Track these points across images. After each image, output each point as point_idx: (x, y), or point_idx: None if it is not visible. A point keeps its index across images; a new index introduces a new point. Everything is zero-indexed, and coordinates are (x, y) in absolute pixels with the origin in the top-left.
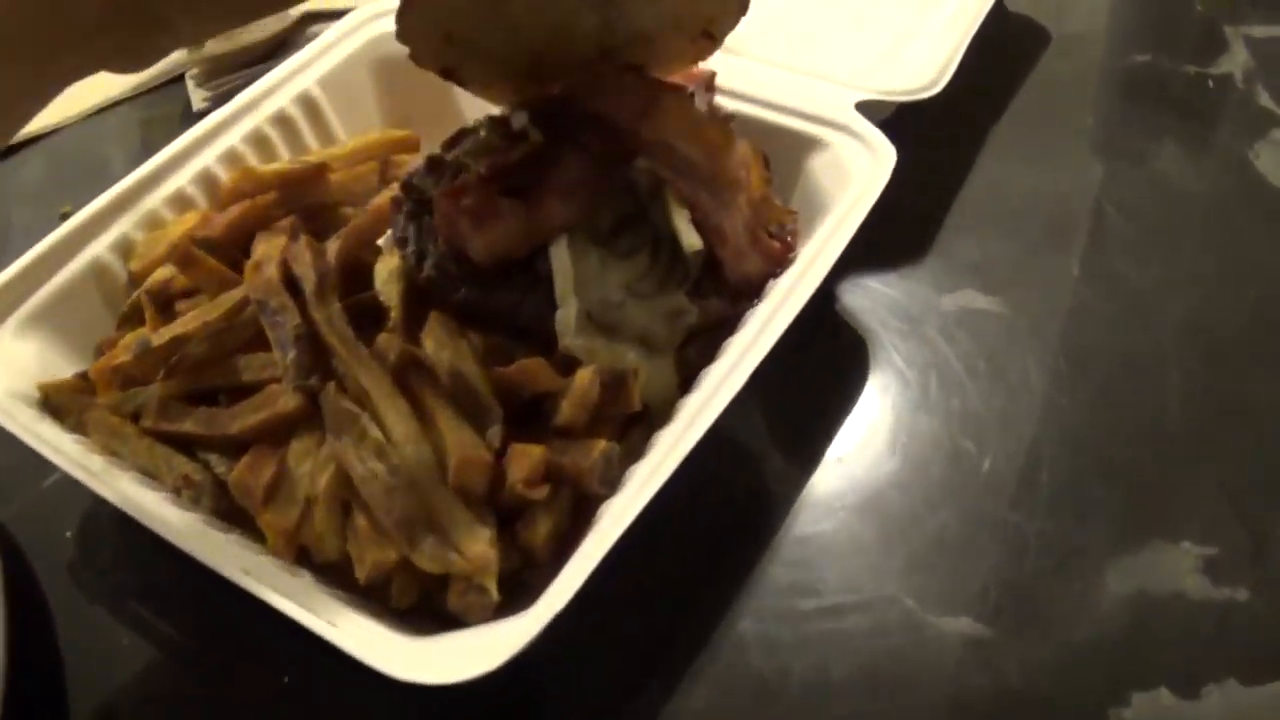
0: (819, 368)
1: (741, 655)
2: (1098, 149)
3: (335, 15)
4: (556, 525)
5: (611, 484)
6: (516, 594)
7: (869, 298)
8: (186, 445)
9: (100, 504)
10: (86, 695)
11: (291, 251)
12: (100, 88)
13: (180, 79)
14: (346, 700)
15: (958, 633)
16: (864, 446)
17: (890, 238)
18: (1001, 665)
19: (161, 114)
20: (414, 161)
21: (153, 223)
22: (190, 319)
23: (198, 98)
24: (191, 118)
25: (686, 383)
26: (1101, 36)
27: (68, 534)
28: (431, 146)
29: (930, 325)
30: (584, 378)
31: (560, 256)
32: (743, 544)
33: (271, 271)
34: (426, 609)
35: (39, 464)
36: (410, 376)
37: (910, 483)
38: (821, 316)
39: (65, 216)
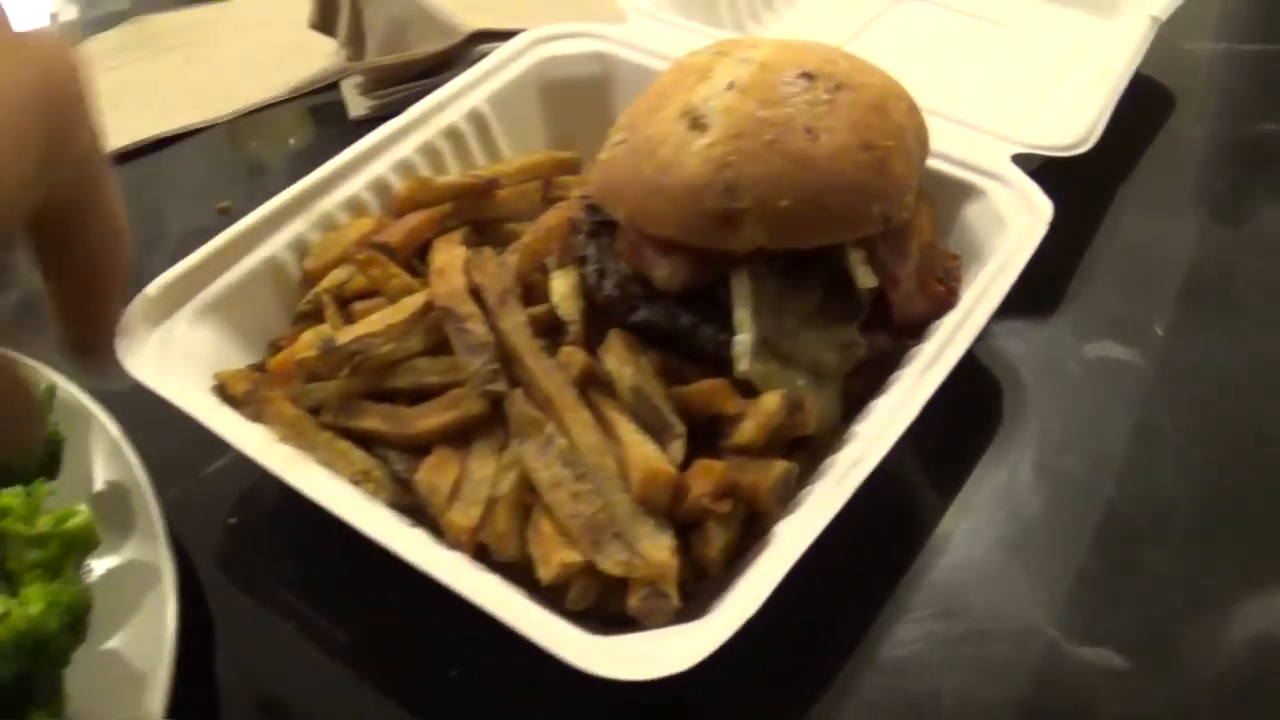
0: (964, 408)
1: (893, 675)
2: (1225, 213)
3: (504, 36)
4: (730, 540)
5: (785, 502)
6: (686, 605)
7: (1012, 342)
8: (364, 441)
9: (258, 494)
10: (246, 682)
11: (474, 262)
12: (255, 88)
13: (335, 86)
14: (510, 695)
15: (1097, 664)
16: (1008, 484)
17: (1030, 286)
18: (1138, 697)
19: (316, 118)
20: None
21: (327, 224)
22: (374, 320)
23: (357, 105)
24: (347, 123)
25: (847, 413)
26: (1228, 104)
27: (231, 520)
28: (591, 169)
29: (1070, 372)
30: (772, 400)
31: (741, 286)
32: (894, 569)
33: (457, 280)
34: (595, 613)
35: (200, 452)
36: (589, 389)
37: (1051, 521)
38: (967, 358)
39: (223, 211)
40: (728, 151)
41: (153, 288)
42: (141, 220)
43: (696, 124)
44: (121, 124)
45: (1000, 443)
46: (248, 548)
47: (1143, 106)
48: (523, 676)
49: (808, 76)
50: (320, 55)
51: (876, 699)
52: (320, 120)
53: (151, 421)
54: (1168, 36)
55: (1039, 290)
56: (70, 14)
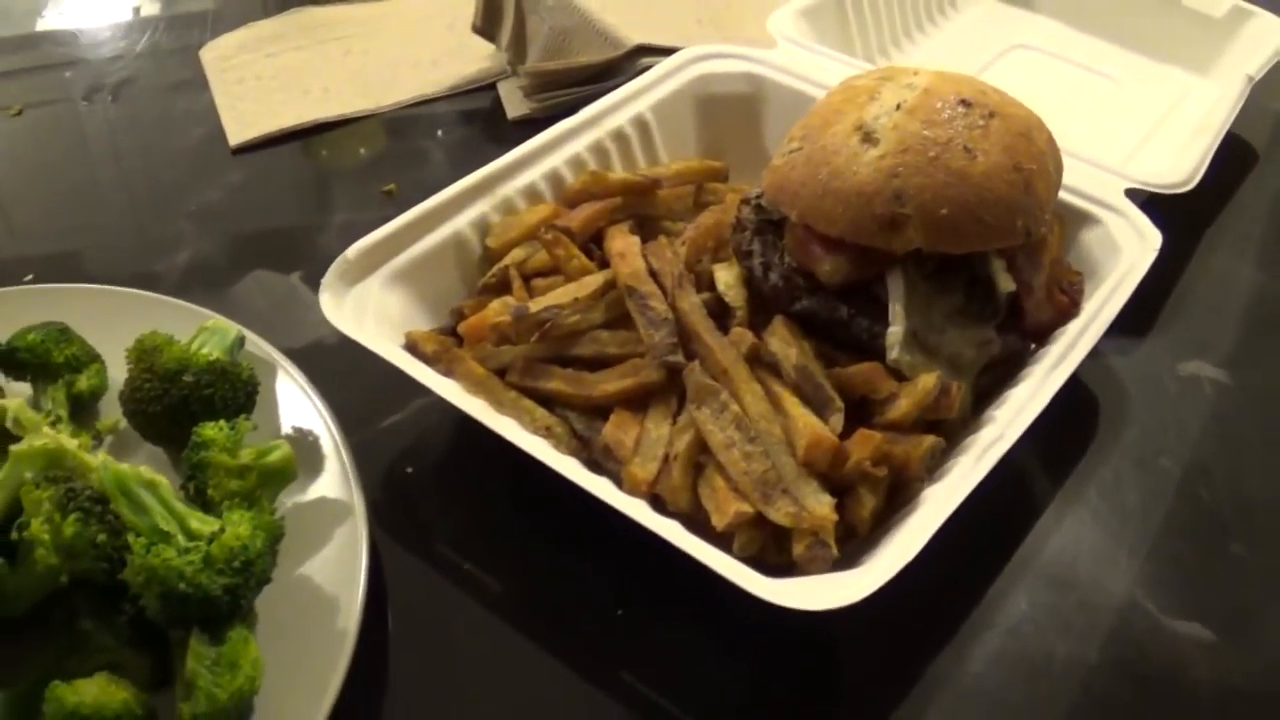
0: (1073, 411)
1: (1010, 635)
2: None
3: (664, 51)
4: (878, 505)
5: (932, 473)
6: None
7: (1115, 358)
8: (545, 402)
9: (429, 447)
10: (416, 624)
11: (651, 249)
12: (414, 83)
13: (490, 86)
14: (671, 634)
15: (1189, 636)
16: (1111, 479)
17: (1131, 309)
18: (1224, 666)
19: (473, 115)
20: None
21: (506, 208)
22: (561, 293)
23: (515, 105)
24: (501, 122)
25: (974, 407)
26: None
27: (407, 469)
28: (737, 178)
29: (1165, 387)
30: (928, 380)
31: (896, 284)
32: (1012, 544)
33: (638, 263)
34: (753, 563)
35: (375, 406)
36: (755, 366)
37: (1148, 512)
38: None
39: (388, 194)
40: (896, 164)
41: (351, 251)
42: (309, 196)
43: (868, 138)
44: (284, 106)
45: (1104, 443)
46: (419, 496)
47: (1231, 158)
48: (679, 614)
49: (965, 104)
50: (475, 58)
51: (996, 655)
52: (476, 117)
53: (330, 376)
54: (1253, 95)
55: (1139, 313)
56: (152, 9)
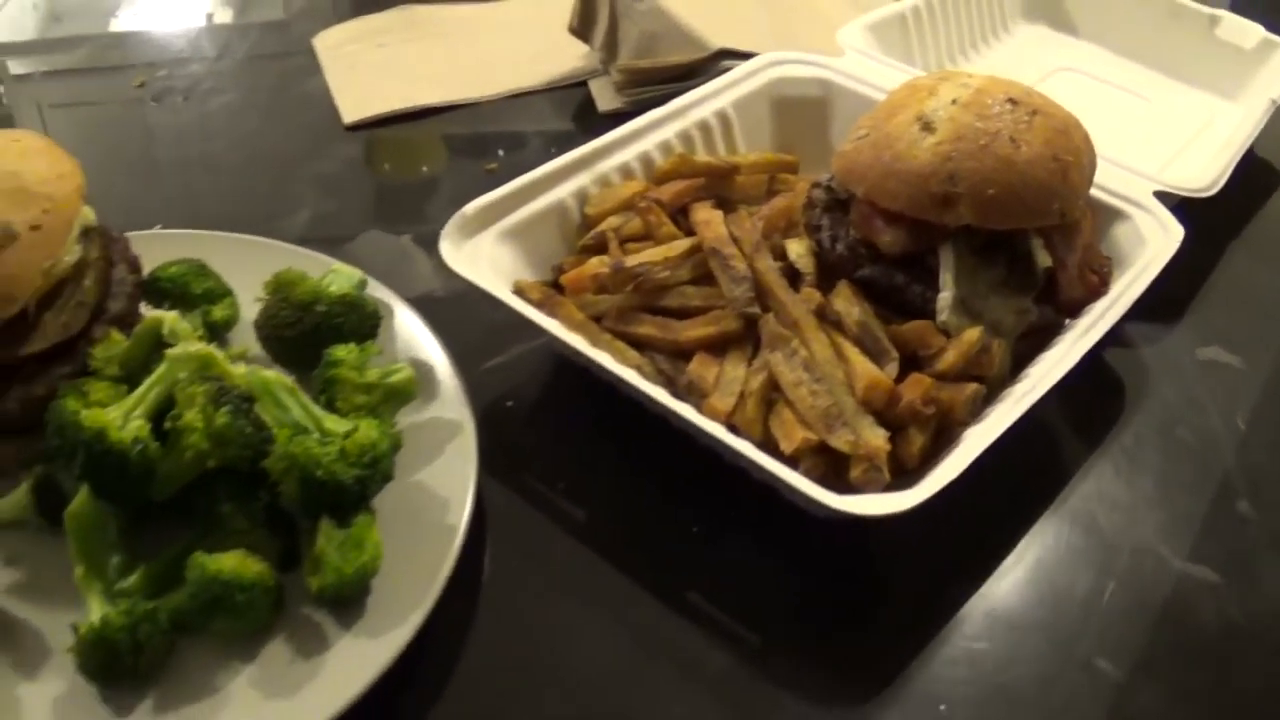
0: (1099, 383)
1: (1039, 569)
2: None
3: (743, 55)
4: (925, 443)
5: (974, 416)
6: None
7: (1140, 341)
8: (637, 344)
9: (528, 387)
10: (513, 551)
11: (731, 219)
12: (513, 77)
13: (583, 83)
14: (740, 547)
15: (1197, 577)
16: (1133, 443)
17: (1157, 299)
18: (1228, 604)
19: (566, 107)
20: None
21: (603, 182)
22: (652, 252)
23: (605, 100)
24: (593, 115)
25: (1012, 370)
26: None
27: (509, 404)
28: (805, 171)
29: (1185, 367)
30: (973, 333)
31: (947, 256)
32: (1042, 494)
33: (721, 230)
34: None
35: (480, 349)
36: (821, 322)
37: (1167, 472)
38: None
39: (490, 172)
40: (951, 149)
41: (469, 208)
42: (418, 170)
43: (927, 127)
44: (393, 91)
45: (1128, 413)
46: (517, 427)
47: (1254, 174)
48: (750, 529)
49: (1012, 102)
50: (568, 58)
51: (1023, 582)
52: (569, 109)
53: (437, 324)
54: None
55: (1163, 306)
56: (225, 16)
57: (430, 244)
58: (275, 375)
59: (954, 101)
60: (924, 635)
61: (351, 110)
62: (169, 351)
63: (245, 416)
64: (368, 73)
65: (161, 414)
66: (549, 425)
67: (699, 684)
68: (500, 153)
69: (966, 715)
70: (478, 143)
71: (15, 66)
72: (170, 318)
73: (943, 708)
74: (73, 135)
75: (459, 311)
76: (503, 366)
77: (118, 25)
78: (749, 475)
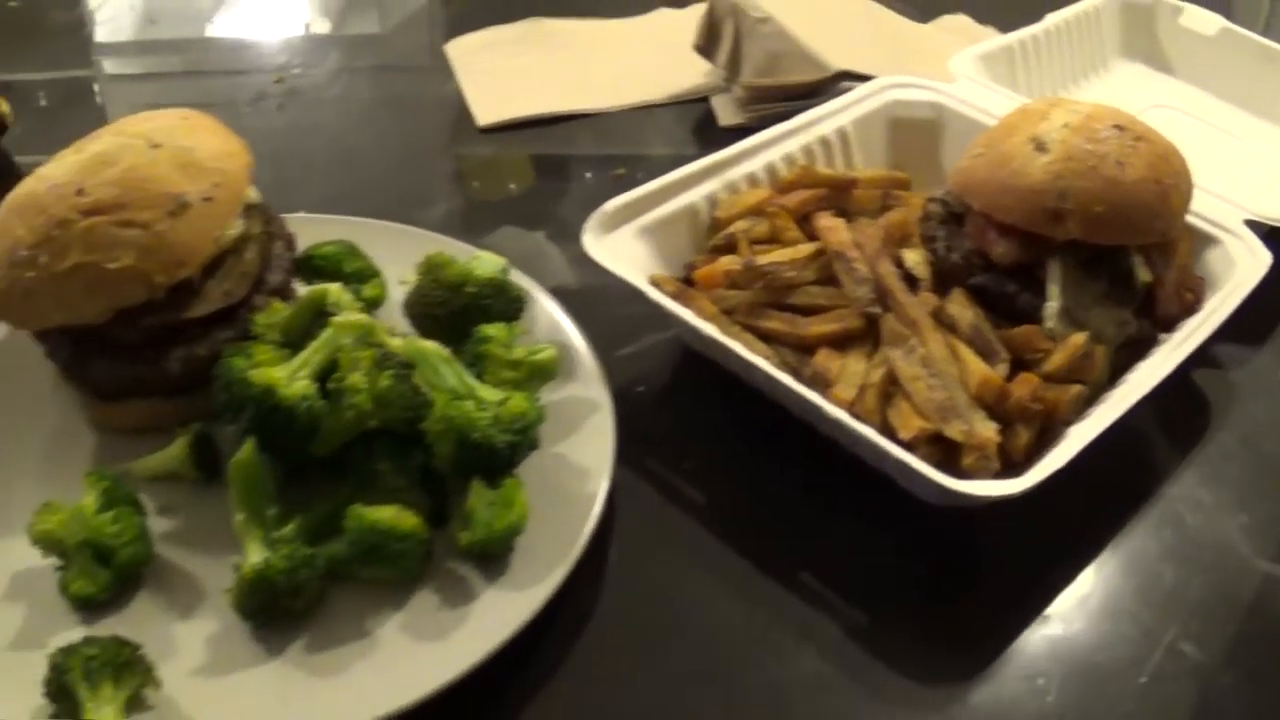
0: (1188, 396)
1: (1127, 558)
2: None
3: (862, 78)
4: (1030, 439)
5: (1077, 414)
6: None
7: (1227, 361)
8: (764, 338)
9: (657, 373)
10: (641, 513)
11: (853, 227)
12: (638, 90)
13: (704, 99)
14: (853, 530)
15: (1275, 575)
16: (1217, 451)
17: (1244, 323)
18: None
19: (689, 120)
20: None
21: (731, 188)
22: (781, 254)
23: (727, 115)
24: (713, 129)
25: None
26: None
27: (639, 389)
28: (916, 189)
29: (1273, 385)
30: (1079, 338)
31: (1055, 268)
32: (1134, 493)
33: (845, 235)
34: None
35: (614, 339)
36: (936, 324)
37: (1250, 479)
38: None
39: (617, 178)
40: (1062, 169)
41: (610, 205)
42: (550, 172)
43: (1040, 147)
44: (525, 98)
45: (1215, 426)
46: (647, 410)
47: None
48: (862, 513)
49: (1119, 128)
50: (691, 74)
51: (1115, 575)
52: (691, 122)
53: (573, 312)
54: None
55: (1250, 328)
56: (323, 28)
57: (563, 240)
58: (433, 345)
59: (1065, 125)
60: (1022, 616)
61: (485, 113)
62: (334, 319)
63: (405, 381)
64: (500, 79)
65: (324, 376)
66: (676, 410)
67: (816, 648)
68: (627, 160)
69: (1062, 690)
70: (604, 150)
71: (110, 67)
72: (334, 289)
73: (1040, 682)
74: None
75: (591, 303)
76: (633, 356)
77: (212, 31)
78: (863, 463)
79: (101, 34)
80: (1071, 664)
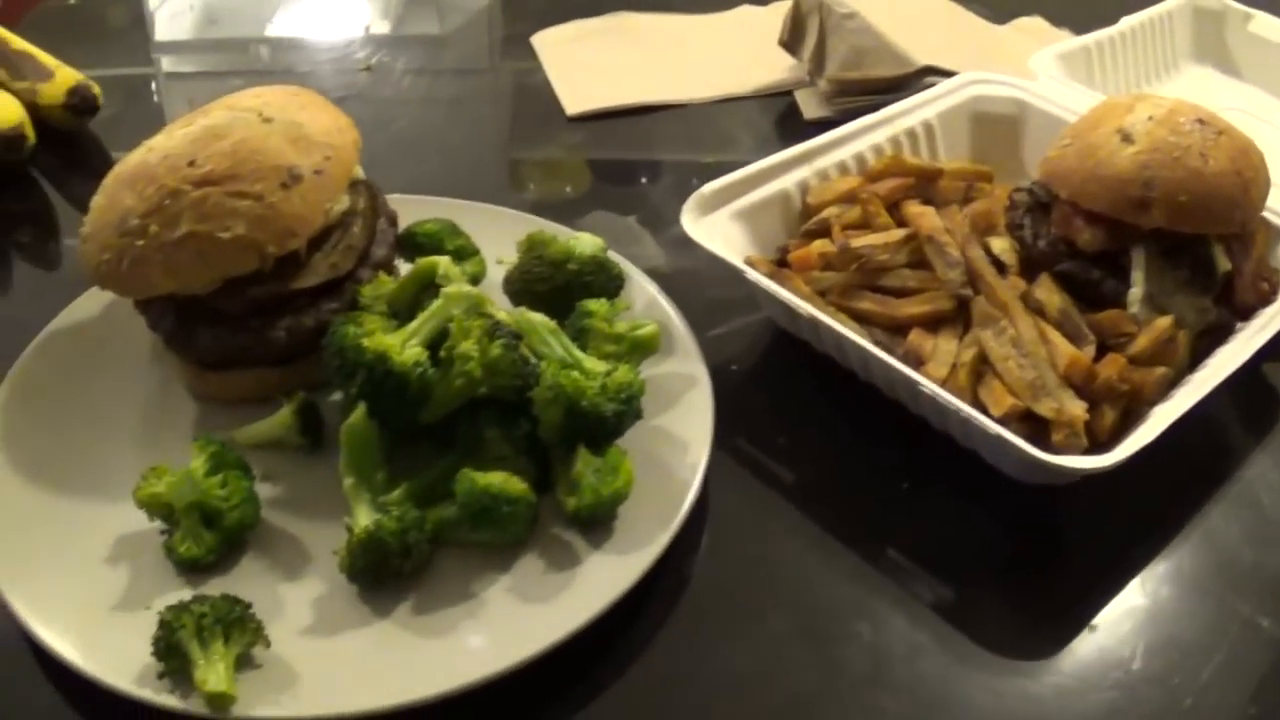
0: (1259, 384)
1: (1206, 537)
2: None
3: (945, 73)
4: (1115, 419)
5: (1161, 395)
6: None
7: None
8: (856, 318)
9: (749, 354)
10: (736, 487)
11: (944, 213)
12: (722, 83)
13: (788, 93)
14: (940, 505)
15: None
16: None
17: None
18: None
19: (773, 113)
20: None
21: (821, 175)
22: (874, 237)
23: (811, 108)
24: (798, 122)
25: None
26: None
27: (733, 367)
28: (997, 180)
29: None
30: (1165, 321)
31: (1139, 255)
32: (1212, 474)
33: (937, 221)
34: None
35: (707, 320)
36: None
37: None
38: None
39: (707, 167)
40: (1148, 159)
41: (707, 188)
42: (639, 160)
43: (1127, 138)
44: (612, 88)
45: None
46: (741, 388)
47: None
48: (949, 489)
49: (1201, 122)
50: (775, 69)
51: (1194, 551)
52: (775, 116)
53: (668, 293)
54: None
55: None
56: (383, 28)
57: (654, 225)
58: (540, 317)
59: (1150, 118)
60: (1105, 590)
61: (574, 103)
62: (446, 289)
63: (515, 350)
64: (587, 70)
65: (434, 346)
66: (768, 390)
67: (908, 618)
68: (715, 150)
69: (1145, 659)
70: (691, 140)
71: (169, 65)
72: (444, 261)
73: (1125, 652)
74: None
75: (682, 286)
76: (724, 336)
77: (272, 31)
78: (950, 442)
79: (161, 32)
80: (1153, 636)
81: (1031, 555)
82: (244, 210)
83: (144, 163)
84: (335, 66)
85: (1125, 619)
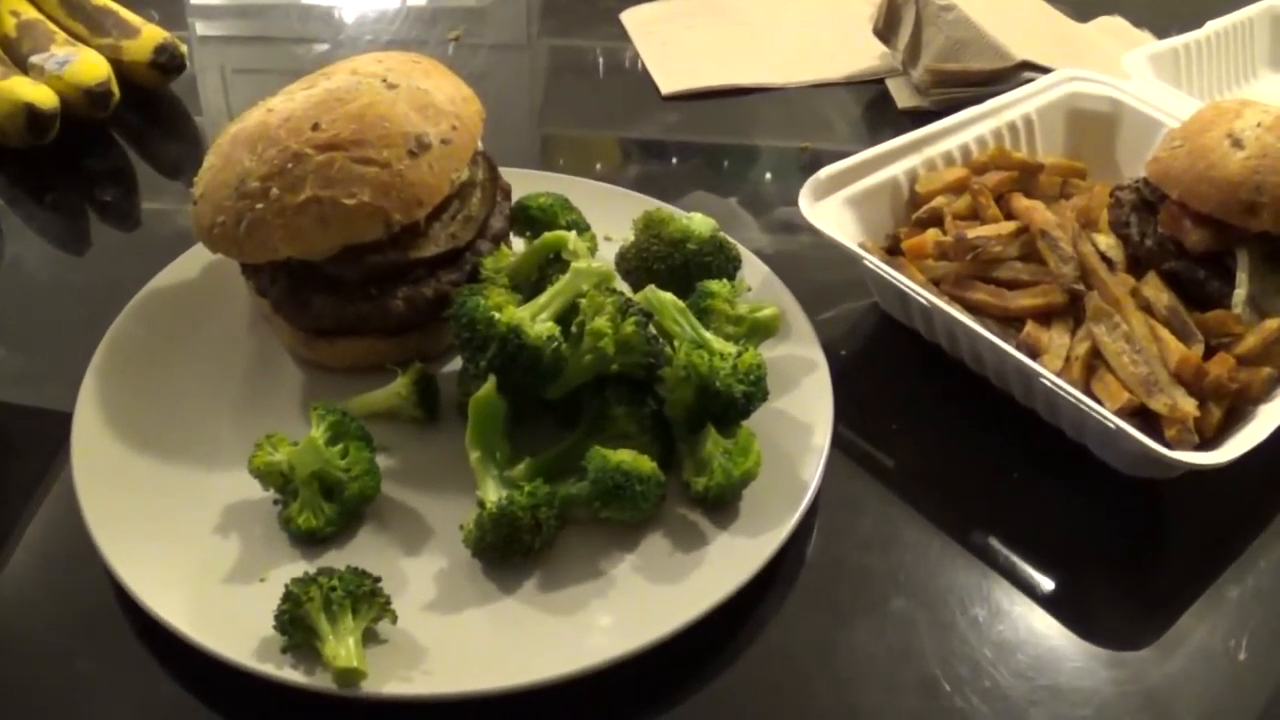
0: None
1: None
2: None
3: (1043, 69)
4: (1220, 417)
5: (1268, 394)
6: None
7: None
8: (969, 308)
9: (855, 336)
10: (848, 471)
11: (1054, 208)
12: (816, 68)
13: (879, 81)
14: (1046, 496)
15: None
16: None
17: None
18: None
19: (865, 101)
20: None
21: (929, 165)
22: (988, 229)
23: (904, 98)
24: (891, 110)
25: None
26: None
27: (842, 352)
28: (1091, 177)
29: None
30: (1273, 324)
31: (1244, 257)
32: None
33: (1049, 215)
34: None
35: (814, 305)
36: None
37: None
38: None
39: (804, 150)
40: (1258, 164)
41: (822, 173)
42: (736, 142)
43: (1237, 143)
44: (705, 68)
45: None
46: (850, 373)
47: None
48: (1055, 481)
49: None
50: (865, 56)
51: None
52: (868, 103)
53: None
54: None
55: None
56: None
57: (755, 207)
58: (670, 296)
59: (1259, 125)
60: (1208, 582)
61: (668, 82)
62: (575, 265)
63: (646, 329)
64: (679, 50)
65: (562, 321)
66: (877, 376)
67: (1018, 607)
68: (810, 134)
69: (1251, 650)
70: (787, 124)
71: (204, 29)
72: (571, 236)
73: (1231, 643)
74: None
75: (786, 269)
76: (834, 319)
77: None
78: (1057, 434)
79: None
80: (1258, 626)
81: (1136, 546)
82: (370, 177)
83: (264, 124)
84: (374, 41)
85: (1230, 611)
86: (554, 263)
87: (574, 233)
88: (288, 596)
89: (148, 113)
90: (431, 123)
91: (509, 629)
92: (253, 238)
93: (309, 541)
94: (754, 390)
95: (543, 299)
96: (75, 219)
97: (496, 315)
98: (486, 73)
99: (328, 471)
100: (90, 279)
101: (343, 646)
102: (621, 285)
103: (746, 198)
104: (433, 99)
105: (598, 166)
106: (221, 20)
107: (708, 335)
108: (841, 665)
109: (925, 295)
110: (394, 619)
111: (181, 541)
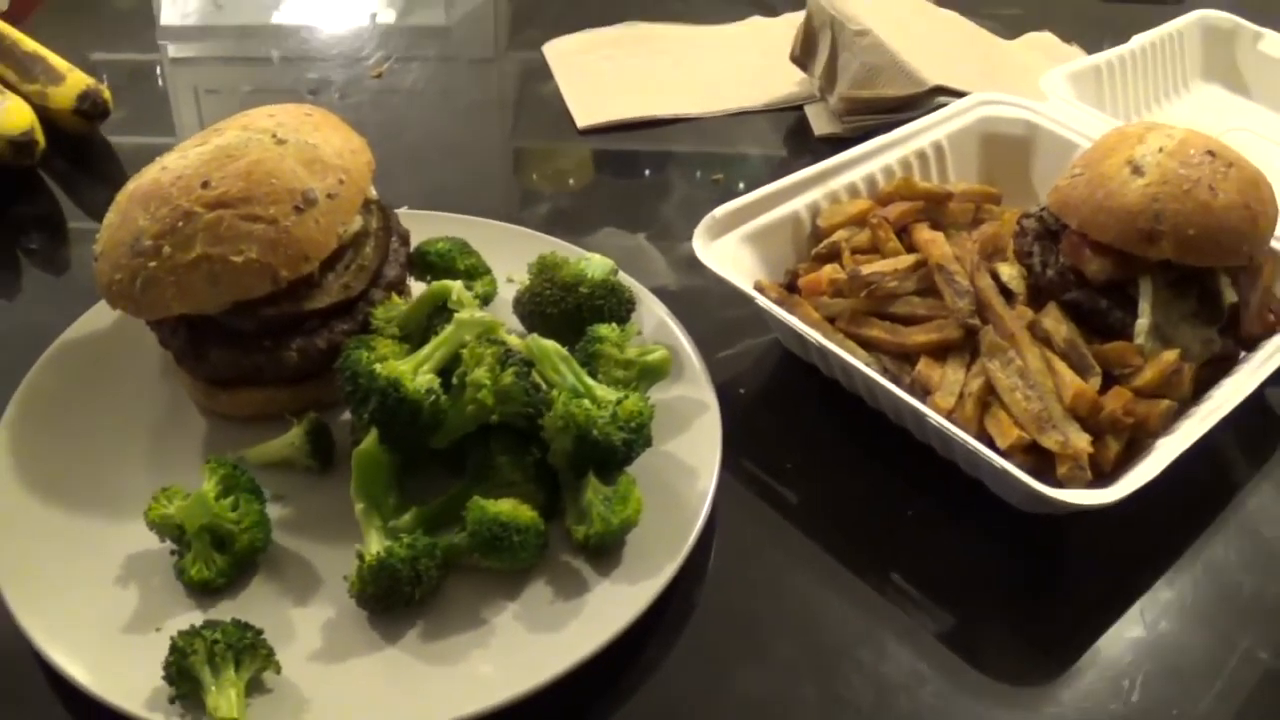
0: (1266, 413)
1: (1208, 567)
2: None
3: (956, 94)
4: (1119, 451)
5: (1165, 428)
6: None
7: None
8: (865, 345)
9: (756, 376)
10: (742, 510)
11: (953, 240)
12: (734, 96)
13: (798, 107)
14: (945, 533)
15: None
16: None
17: None
18: None
19: (783, 129)
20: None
21: (833, 198)
22: (884, 264)
23: (822, 125)
24: (809, 138)
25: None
26: None
27: (741, 390)
28: (1007, 204)
29: None
30: (1171, 355)
31: (1146, 286)
32: (1214, 504)
33: (947, 249)
34: None
35: (714, 342)
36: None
37: None
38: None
39: (716, 182)
40: (1157, 192)
41: (719, 211)
42: (650, 175)
43: (1137, 170)
44: (623, 100)
45: None
46: (748, 411)
47: None
48: (954, 518)
49: (1211, 154)
50: (786, 82)
51: (1195, 583)
52: (786, 131)
53: (674, 314)
54: None
55: None
56: (388, 17)
57: (663, 243)
58: (552, 344)
59: (1160, 150)
60: (1107, 619)
61: (584, 115)
62: (458, 315)
63: (526, 378)
64: (598, 82)
65: (445, 372)
66: (775, 413)
67: (913, 647)
68: (724, 166)
69: (1144, 690)
70: (702, 154)
71: (175, 51)
72: (457, 286)
73: (1125, 683)
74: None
75: (691, 306)
76: (732, 358)
77: (278, 18)
78: (956, 469)
79: (167, 17)
80: (1154, 666)
81: (1034, 583)
82: (258, 234)
83: (157, 182)
84: (342, 59)
85: (1126, 649)
86: (441, 312)
87: (459, 282)
88: (174, 649)
89: (78, 158)
90: (318, 177)
91: (392, 678)
92: (147, 295)
93: (203, 592)
94: (634, 438)
95: (426, 350)
96: (1, 266)
97: (378, 368)
98: (412, 105)
99: (218, 524)
100: (12, 325)
101: (224, 698)
102: (518, 326)
103: (656, 233)
104: (320, 153)
105: (509, 203)
106: (193, 42)
107: (590, 382)
108: (722, 715)
109: (814, 336)
110: (278, 669)
111: (84, 590)
